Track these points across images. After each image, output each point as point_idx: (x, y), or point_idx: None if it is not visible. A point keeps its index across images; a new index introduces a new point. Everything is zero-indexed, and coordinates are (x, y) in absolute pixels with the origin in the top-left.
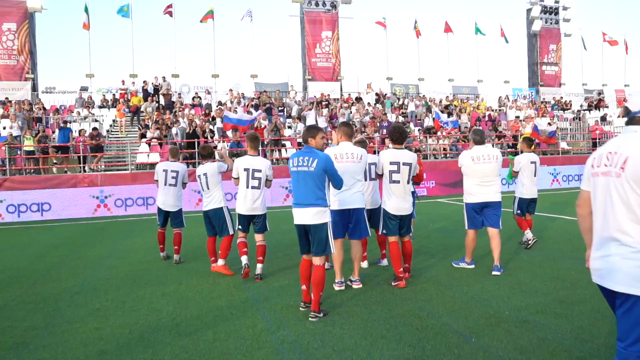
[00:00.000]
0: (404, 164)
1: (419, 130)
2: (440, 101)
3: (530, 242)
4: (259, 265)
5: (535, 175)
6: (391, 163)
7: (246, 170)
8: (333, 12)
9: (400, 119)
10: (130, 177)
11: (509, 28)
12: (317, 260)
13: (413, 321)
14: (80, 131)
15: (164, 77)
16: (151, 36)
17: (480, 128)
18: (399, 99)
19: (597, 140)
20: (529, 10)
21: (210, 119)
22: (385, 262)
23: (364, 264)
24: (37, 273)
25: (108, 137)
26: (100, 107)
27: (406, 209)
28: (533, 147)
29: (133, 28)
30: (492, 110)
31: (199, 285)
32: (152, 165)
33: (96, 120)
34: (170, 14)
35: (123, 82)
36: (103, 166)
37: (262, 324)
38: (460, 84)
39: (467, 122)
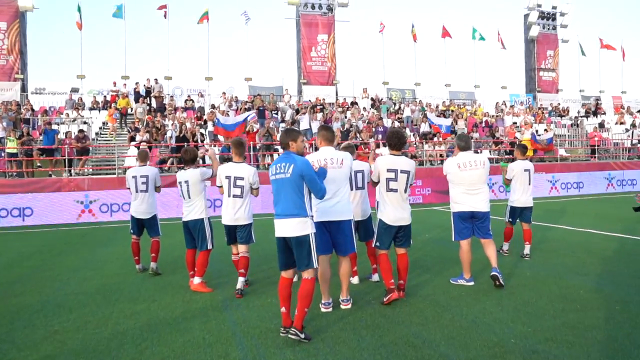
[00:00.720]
0: (402, 171)
1: (414, 135)
2: (437, 106)
3: (502, 251)
4: (240, 279)
5: (530, 184)
6: (388, 170)
7: (228, 178)
8: (329, 15)
9: (396, 124)
10: (117, 181)
11: (506, 33)
12: (306, 274)
13: (407, 351)
14: (66, 133)
15: (156, 79)
16: (144, 37)
17: (465, 133)
18: (395, 103)
19: (596, 147)
20: (526, 16)
21: (203, 122)
22: (376, 277)
23: (354, 280)
24: (0, 286)
25: (97, 139)
26: (90, 109)
27: (405, 219)
28: (531, 153)
29: (126, 29)
30: (489, 116)
31: (172, 304)
32: None
33: (85, 123)
34: (165, 13)
35: (114, 83)
36: (91, 170)
37: (236, 352)
38: (457, 89)
39: (464, 127)
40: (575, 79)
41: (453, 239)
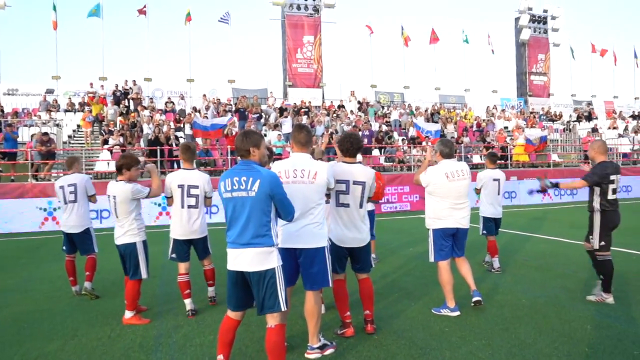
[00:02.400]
0: (355, 182)
1: (402, 140)
2: (426, 110)
3: (487, 264)
4: (210, 289)
5: (499, 194)
6: (338, 181)
7: (180, 187)
8: (315, 16)
9: (384, 127)
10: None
11: (497, 37)
12: (271, 320)
13: None
14: (32, 136)
15: (134, 81)
16: (123, 37)
17: (449, 139)
18: (383, 107)
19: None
20: (517, 19)
21: (182, 125)
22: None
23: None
24: None
25: (69, 143)
26: (65, 110)
27: (359, 240)
28: (527, 158)
29: (104, 28)
30: (480, 121)
31: (93, 341)
32: (112, 175)
33: (57, 125)
34: (144, 13)
35: (91, 85)
36: (61, 174)
37: None
38: (447, 93)
39: (453, 131)
40: (566, 83)
41: (432, 260)
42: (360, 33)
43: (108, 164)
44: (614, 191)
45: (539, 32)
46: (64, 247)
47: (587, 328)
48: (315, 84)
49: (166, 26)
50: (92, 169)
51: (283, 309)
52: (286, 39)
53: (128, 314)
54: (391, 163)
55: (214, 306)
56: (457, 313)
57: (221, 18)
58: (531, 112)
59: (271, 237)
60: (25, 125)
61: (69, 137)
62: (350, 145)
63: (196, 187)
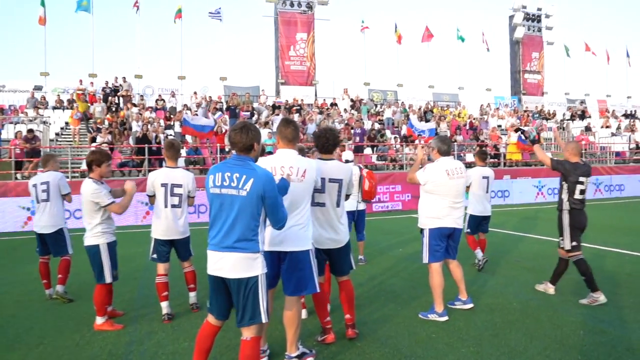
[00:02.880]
0: (331, 180)
1: (395, 138)
2: (420, 108)
3: (480, 262)
4: (192, 294)
5: (487, 192)
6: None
7: (164, 185)
8: (309, 13)
9: (377, 125)
10: (70, 185)
11: (491, 35)
12: (247, 332)
13: None
14: (16, 134)
15: (124, 78)
16: (113, 34)
17: (446, 136)
18: (376, 105)
19: (583, 151)
20: (511, 17)
21: (172, 123)
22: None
23: (302, 314)
24: None
25: (56, 140)
26: (54, 108)
27: (335, 241)
28: (519, 157)
29: (94, 24)
30: (474, 119)
31: (62, 348)
32: None
33: (44, 123)
34: (137, 6)
35: (81, 81)
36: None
37: None
38: (440, 91)
39: (446, 130)
40: (560, 82)
41: (426, 261)
42: (354, 30)
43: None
44: (582, 192)
45: (533, 31)
46: (37, 249)
47: (579, 334)
48: (308, 82)
49: (157, 23)
50: (78, 167)
51: (264, 321)
52: (279, 36)
53: (99, 320)
54: (383, 161)
55: (193, 312)
56: (446, 318)
57: (211, 13)
58: (525, 111)
59: (257, 243)
60: (12, 123)
61: (57, 134)
62: (327, 141)
63: (180, 186)
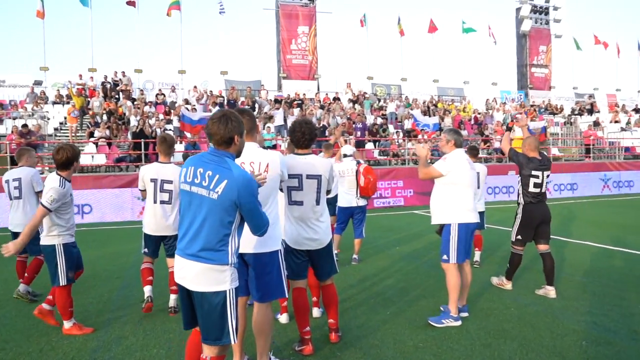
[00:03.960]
0: (308, 176)
1: (397, 132)
2: (424, 102)
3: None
4: (173, 297)
5: (479, 187)
6: (289, 176)
7: (153, 181)
8: (310, 5)
9: (379, 120)
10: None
11: (497, 28)
12: (206, 351)
13: None
14: (13, 128)
15: (123, 72)
16: (113, 28)
17: (457, 128)
18: (379, 99)
19: (591, 147)
20: (518, 9)
21: (171, 118)
22: (316, 311)
23: (283, 318)
24: None
25: (54, 135)
26: (54, 103)
27: (316, 242)
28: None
29: (93, 18)
30: (479, 114)
31: (25, 355)
32: (97, 169)
33: (43, 118)
34: (134, 4)
35: (80, 76)
36: (47, 168)
37: None
38: (445, 85)
39: (450, 125)
40: (568, 76)
41: (453, 261)
42: (357, 23)
43: (93, 157)
44: (537, 185)
45: (541, 23)
46: None
47: (581, 344)
48: (310, 76)
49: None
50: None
51: (231, 342)
52: (280, 30)
53: (67, 324)
54: (385, 157)
55: (170, 316)
56: (460, 322)
57: (220, 10)
58: (531, 105)
59: (226, 254)
60: (11, 118)
61: (55, 129)
62: (302, 135)
63: (170, 182)
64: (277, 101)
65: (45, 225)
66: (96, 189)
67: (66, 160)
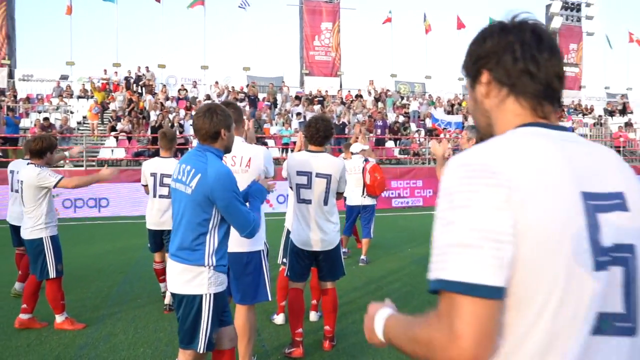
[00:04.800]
0: (318, 175)
1: (417, 131)
2: (449, 100)
3: None
4: (168, 294)
5: None
6: (298, 173)
7: (153, 175)
8: (334, 2)
9: (401, 118)
10: (84, 174)
11: None
12: (181, 356)
13: None
14: (35, 122)
15: (147, 67)
16: (138, 23)
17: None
18: (402, 97)
19: (621, 149)
20: (548, 6)
21: (192, 113)
22: (314, 315)
23: (279, 319)
24: None
25: (78, 129)
26: (79, 97)
27: (323, 242)
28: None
29: (118, 14)
30: None
31: (13, 349)
32: (117, 162)
33: (67, 112)
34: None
35: (105, 71)
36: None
37: None
38: None
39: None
40: (600, 75)
41: None
42: (381, 20)
43: (112, 151)
44: None
45: (572, 20)
46: (13, 240)
47: None
48: (333, 73)
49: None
50: (95, 156)
51: (200, 351)
52: (303, 26)
53: (58, 318)
54: (405, 155)
55: (165, 314)
56: None
57: (240, 4)
58: (560, 105)
59: (202, 254)
60: (37, 112)
61: (78, 123)
62: (316, 132)
63: (169, 176)
64: (297, 98)
65: (31, 218)
66: (113, 183)
67: (40, 149)
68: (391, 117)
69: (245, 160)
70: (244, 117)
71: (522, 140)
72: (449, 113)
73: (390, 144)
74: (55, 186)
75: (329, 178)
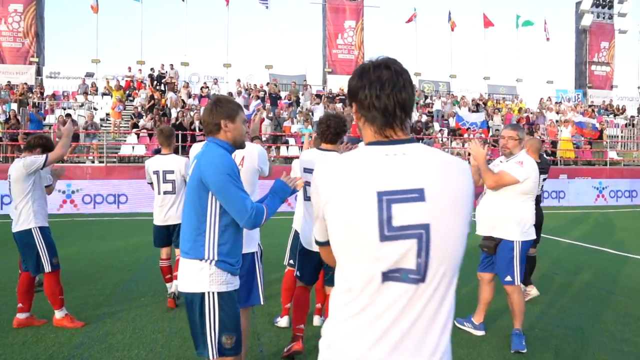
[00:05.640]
0: None
1: (440, 131)
2: (473, 99)
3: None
4: (175, 283)
5: None
6: (305, 170)
7: (156, 172)
8: (358, 0)
9: (424, 117)
10: (105, 170)
11: (555, 23)
12: None
13: None
14: (58, 118)
15: (171, 65)
16: (162, 21)
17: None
18: (426, 96)
19: None
20: (578, 3)
21: None
22: (317, 319)
23: (283, 322)
24: None
25: (101, 125)
26: (103, 94)
27: None
28: (572, 155)
29: (143, 12)
30: (531, 113)
31: (8, 346)
32: (137, 159)
33: (94, 109)
34: None
35: (129, 69)
36: (92, 157)
37: None
38: (497, 83)
39: (499, 124)
40: (633, 74)
41: (518, 282)
42: (405, 18)
43: (133, 148)
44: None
45: (603, 18)
46: None
47: None
48: None
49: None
50: (116, 153)
51: (210, 357)
52: (327, 24)
53: (58, 314)
54: None
55: (166, 314)
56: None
57: (262, 2)
58: (590, 105)
59: (202, 247)
60: (62, 108)
61: (102, 119)
62: (327, 128)
63: (172, 172)
64: (317, 96)
65: (20, 213)
66: (132, 179)
67: (34, 144)
68: (415, 116)
69: (237, 159)
70: (241, 112)
71: (350, 157)
72: (473, 112)
73: None
74: (45, 163)
75: None
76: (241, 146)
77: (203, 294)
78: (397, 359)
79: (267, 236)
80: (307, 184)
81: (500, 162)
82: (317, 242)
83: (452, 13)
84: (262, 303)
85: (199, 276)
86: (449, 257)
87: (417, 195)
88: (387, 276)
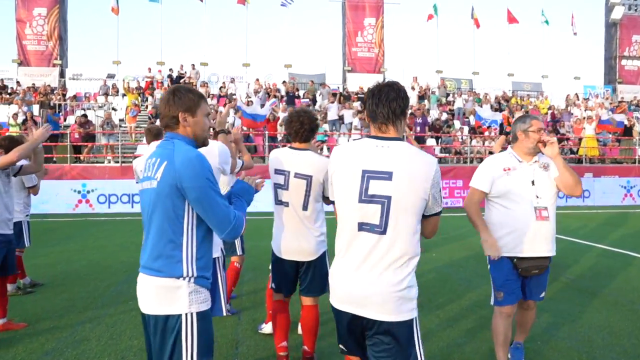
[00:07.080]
0: (297, 175)
1: (460, 129)
2: (496, 97)
3: None
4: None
5: None
6: (276, 171)
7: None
8: None
9: (444, 115)
10: (119, 170)
11: (583, 16)
12: None
13: None
14: (76, 119)
15: (192, 65)
16: (181, 22)
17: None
18: (448, 94)
19: None
20: None
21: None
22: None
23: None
24: None
25: (120, 126)
26: (123, 95)
27: (305, 251)
28: (596, 152)
29: (162, 13)
30: (556, 110)
31: None
32: None
33: (113, 109)
34: None
35: (149, 69)
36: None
37: None
38: (521, 80)
39: None
40: None
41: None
42: (426, 15)
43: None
44: None
45: (635, 10)
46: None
47: None
48: (376, 69)
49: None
50: (132, 153)
51: None
52: (346, 22)
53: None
54: (447, 154)
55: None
56: None
57: (283, 2)
58: (620, 101)
59: (180, 263)
60: (82, 109)
61: (121, 120)
62: (301, 126)
63: None
64: (333, 94)
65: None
66: None
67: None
68: (434, 114)
69: None
70: (203, 103)
71: (354, 143)
72: (496, 110)
73: (430, 141)
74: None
75: (309, 179)
76: (204, 143)
77: (179, 315)
78: (370, 276)
79: (259, 239)
80: (278, 186)
81: (511, 168)
82: (330, 201)
83: (475, 9)
84: (223, 314)
85: (175, 296)
86: (403, 219)
87: (387, 176)
88: (361, 227)
